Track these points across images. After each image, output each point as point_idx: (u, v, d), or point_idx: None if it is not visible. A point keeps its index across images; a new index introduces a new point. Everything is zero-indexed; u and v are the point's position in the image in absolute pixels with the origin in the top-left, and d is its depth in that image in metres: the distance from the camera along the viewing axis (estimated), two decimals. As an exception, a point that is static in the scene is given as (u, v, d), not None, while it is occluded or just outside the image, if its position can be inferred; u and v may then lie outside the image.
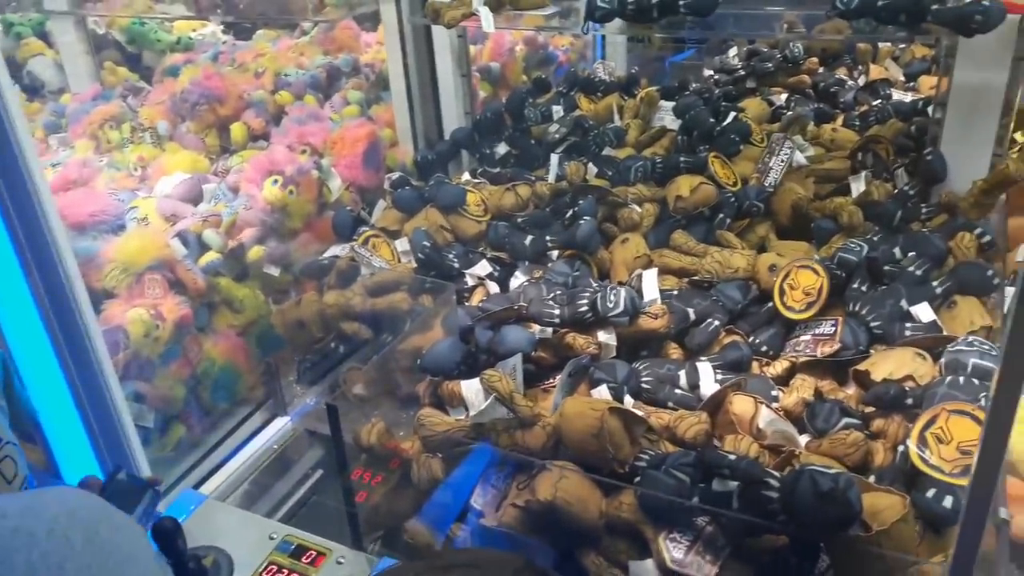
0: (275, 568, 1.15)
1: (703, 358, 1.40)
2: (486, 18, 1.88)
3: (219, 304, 1.77)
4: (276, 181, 1.86)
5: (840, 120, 2.42)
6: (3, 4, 2.80)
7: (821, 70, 2.81)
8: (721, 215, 1.82)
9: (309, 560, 1.16)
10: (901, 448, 1.11)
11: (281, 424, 1.82)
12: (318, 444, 1.81)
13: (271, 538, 1.20)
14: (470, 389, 1.25)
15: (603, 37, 3.10)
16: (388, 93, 2.34)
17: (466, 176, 2.11)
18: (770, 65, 2.71)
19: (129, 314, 1.54)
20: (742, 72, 2.75)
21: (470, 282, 1.74)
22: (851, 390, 1.35)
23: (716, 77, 2.82)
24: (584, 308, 1.37)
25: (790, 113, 2.31)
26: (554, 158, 2.06)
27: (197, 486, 1.63)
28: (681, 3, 1.77)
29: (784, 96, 2.57)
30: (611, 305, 1.35)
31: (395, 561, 1.16)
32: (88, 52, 2.70)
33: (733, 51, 2.99)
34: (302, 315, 1.71)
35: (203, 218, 1.72)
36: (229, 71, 2.45)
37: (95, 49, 2.89)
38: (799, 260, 1.51)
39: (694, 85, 2.67)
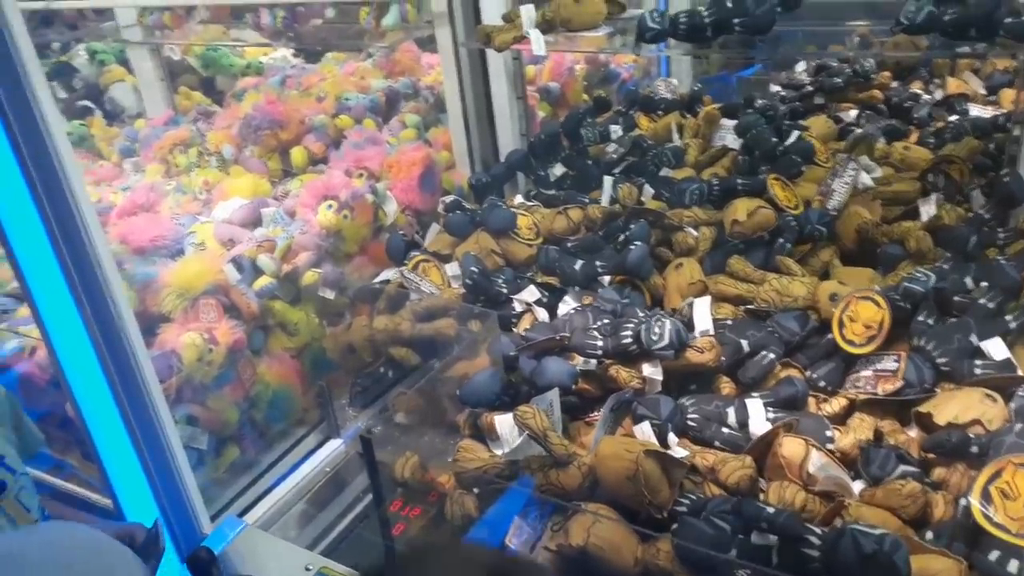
0: (308, 600, 1.16)
1: (755, 394, 1.34)
2: (537, 41, 1.86)
3: (274, 327, 1.80)
4: (331, 206, 1.89)
5: (914, 137, 2.31)
6: (89, 32, 2.94)
7: (894, 84, 2.69)
8: (781, 240, 1.75)
9: (343, 594, 1.16)
10: (963, 502, 1.03)
11: (334, 447, 1.83)
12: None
13: (307, 569, 1.20)
14: (504, 424, 1.23)
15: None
16: (446, 115, 2.35)
17: (519, 199, 2.09)
18: (839, 80, 2.60)
19: (183, 338, 1.58)
20: (810, 88, 2.66)
21: (518, 308, 1.72)
22: (913, 432, 1.27)
23: (783, 93, 2.73)
24: (628, 340, 1.33)
25: (856, 132, 2.22)
26: (607, 180, 2.02)
27: (248, 508, 1.65)
28: (736, 22, 1.72)
29: (854, 112, 2.47)
30: (655, 337, 1.31)
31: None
32: (163, 79, 2.81)
33: (801, 65, 2.89)
34: (352, 339, 1.73)
35: (258, 243, 1.75)
36: (291, 96, 2.50)
37: (173, 75, 3.01)
38: (859, 291, 1.43)
39: (759, 102, 2.59)
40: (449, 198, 2.08)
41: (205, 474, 1.59)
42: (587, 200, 2.04)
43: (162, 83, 2.82)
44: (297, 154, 2.20)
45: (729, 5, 1.74)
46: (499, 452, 1.24)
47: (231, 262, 1.69)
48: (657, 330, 1.31)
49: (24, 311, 1.76)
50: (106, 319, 1.28)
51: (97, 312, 1.26)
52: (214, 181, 2.18)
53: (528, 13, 1.85)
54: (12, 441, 1.19)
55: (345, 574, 1.19)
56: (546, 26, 1.88)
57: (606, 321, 1.47)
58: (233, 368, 1.67)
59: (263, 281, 1.73)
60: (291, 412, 1.81)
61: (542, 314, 1.70)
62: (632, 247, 1.68)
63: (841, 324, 1.44)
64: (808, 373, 1.42)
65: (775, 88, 2.84)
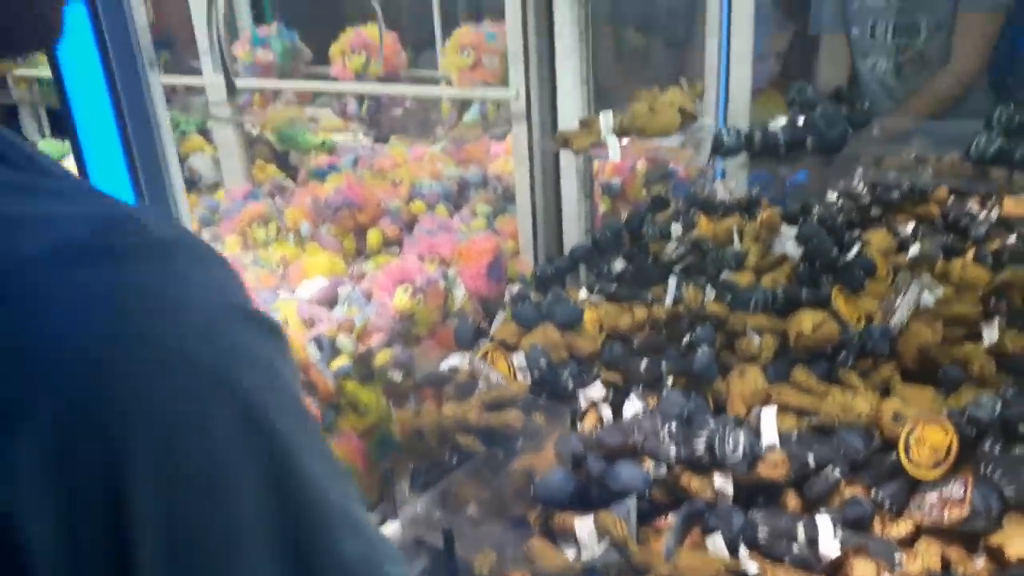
0: None
1: (823, 510, 1.37)
2: (613, 148, 1.96)
3: (344, 406, 1.87)
4: (407, 290, 1.97)
5: (971, 254, 2.35)
6: (181, 105, 3.11)
7: (951, 200, 2.74)
8: (844, 353, 1.79)
9: None
10: (1039, 641, 1.04)
11: (392, 528, 1.87)
12: (424, 553, 1.85)
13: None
14: (583, 528, 1.27)
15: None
16: (513, 206, 2.45)
17: (583, 293, 2.16)
18: (896, 194, 2.67)
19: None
20: (866, 200, 2.72)
21: (583, 404, 1.77)
22: (981, 561, 1.29)
23: (839, 203, 2.80)
24: (700, 451, 1.37)
25: (916, 250, 2.27)
26: (672, 280, 2.09)
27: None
28: (808, 141, 1.81)
29: (911, 226, 2.52)
30: (729, 450, 1.35)
31: None
32: (243, 155, 2.97)
33: (858, 173, 2.96)
34: (421, 424, 1.78)
35: (338, 324, 1.83)
36: (369, 180, 2.63)
37: (250, 146, 3.17)
38: (926, 415, 1.47)
39: (817, 208, 2.66)
40: (516, 287, 2.15)
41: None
42: (650, 297, 2.10)
43: (242, 156, 2.97)
44: (373, 236, 2.31)
45: (800, 125, 1.84)
46: (571, 553, 1.27)
47: (313, 341, 1.77)
48: (731, 442, 1.35)
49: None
50: None
51: None
52: (291, 257, 2.29)
53: (607, 120, 1.96)
54: None
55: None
56: (621, 132, 1.98)
57: (675, 425, 1.51)
58: (306, 445, 1.73)
59: (340, 361, 1.81)
60: (354, 490, 1.86)
61: (607, 412, 1.75)
62: (699, 351, 1.73)
63: (907, 446, 1.46)
64: (873, 492, 1.45)
65: (831, 195, 2.91)
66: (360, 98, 2.52)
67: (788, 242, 2.34)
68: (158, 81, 1.13)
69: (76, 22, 1.10)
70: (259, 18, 3.42)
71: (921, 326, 1.85)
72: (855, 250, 2.14)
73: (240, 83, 2.65)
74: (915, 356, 1.80)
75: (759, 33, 2.66)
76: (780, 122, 1.92)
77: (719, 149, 1.78)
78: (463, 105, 2.27)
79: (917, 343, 1.79)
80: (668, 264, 2.35)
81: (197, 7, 2.59)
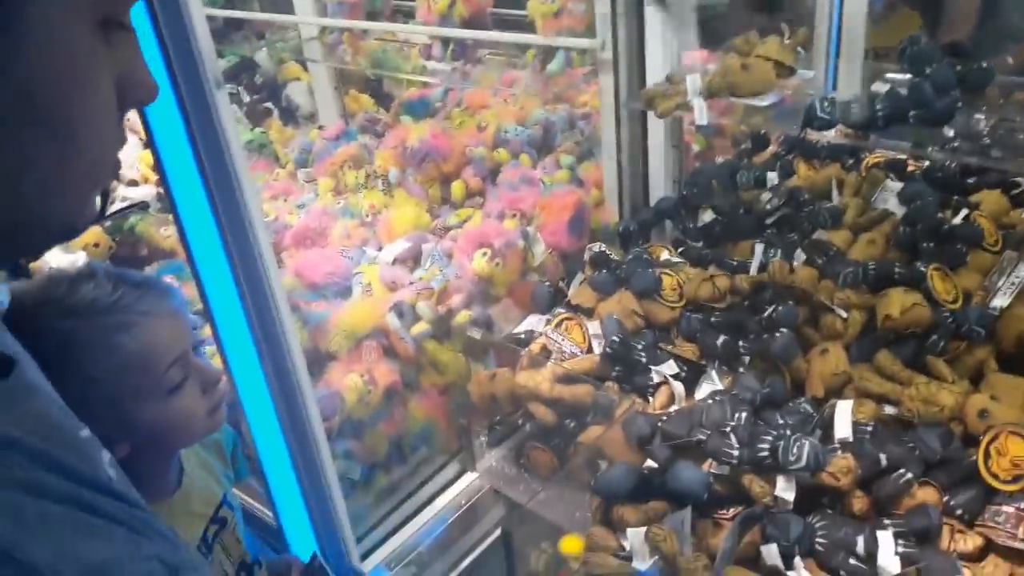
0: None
1: (886, 522, 1.35)
2: (700, 110, 1.87)
3: (426, 365, 1.95)
4: (485, 254, 1.99)
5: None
6: (273, 42, 3.15)
7: (1088, 142, 2.48)
8: (935, 337, 1.71)
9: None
10: None
11: (470, 479, 1.97)
12: (501, 503, 1.95)
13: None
14: (636, 536, 1.31)
15: (835, 83, 2.94)
16: (599, 149, 2.39)
17: (665, 255, 2.12)
18: (1021, 135, 2.43)
19: (346, 381, 1.74)
20: (987, 140, 2.50)
21: (655, 379, 1.78)
22: (1052, 586, 1.26)
23: (956, 144, 2.58)
24: (764, 454, 1.37)
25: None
26: (758, 248, 2.02)
27: (391, 534, 1.82)
28: (911, 114, 1.68)
29: (1034, 178, 2.31)
30: (793, 458, 1.34)
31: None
32: (336, 87, 2.99)
33: (982, 111, 2.71)
34: (496, 390, 1.84)
35: (417, 291, 1.88)
36: (456, 121, 2.61)
37: (344, 78, 3.19)
38: (1011, 425, 1.40)
39: (930, 150, 2.46)
40: (596, 247, 2.13)
41: (355, 502, 1.77)
42: (735, 263, 2.05)
43: (335, 89, 3.00)
44: (456, 188, 2.32)
45: (903, 95, 1.70)
46: (627, 547, 1.33)
47: (392, 309, 1.83)
48: (795, 451, 1.34)
49: (207, 330, 1.99)
50: (279, 356, 1.43)
51: (272, 350, 1.41)
52: (379, 204, 2.34)
53: (693, 82, 1.86)
54: (230, 477, 1.38)
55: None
56: (710, 94, 1.88)
57: (743, 419, 1.51)
58: (388, 407, 1.83)
59: (420, 327, 1.87)
60: (435, 444, 1.97)
61: (679, 388, 1.75)
62: (779, 334, 1.69)
63: (987, 455, 1.41)
64: (946, 498, 1.42)
65: (948, 133, 2.69)
66: (445, 41, 2.47)
67: (891, 198, 2.20)
68: (225, 100, 1.16)
69: (144, 46, 1.12)
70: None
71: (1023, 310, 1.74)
72: (960, 216, 2.00)
73: (327, 22, 2.64)
74: (1014, 342, 1.70)
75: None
76: (886, 85, 1.78)
77: (811, 123, 1.67)
78: (547, 54, 2.19)
79: (1018, 329, 1.68)
80: (761, 216, 2.26)
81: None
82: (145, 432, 1.01)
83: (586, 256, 2.13)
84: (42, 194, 0.49)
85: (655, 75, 2.07)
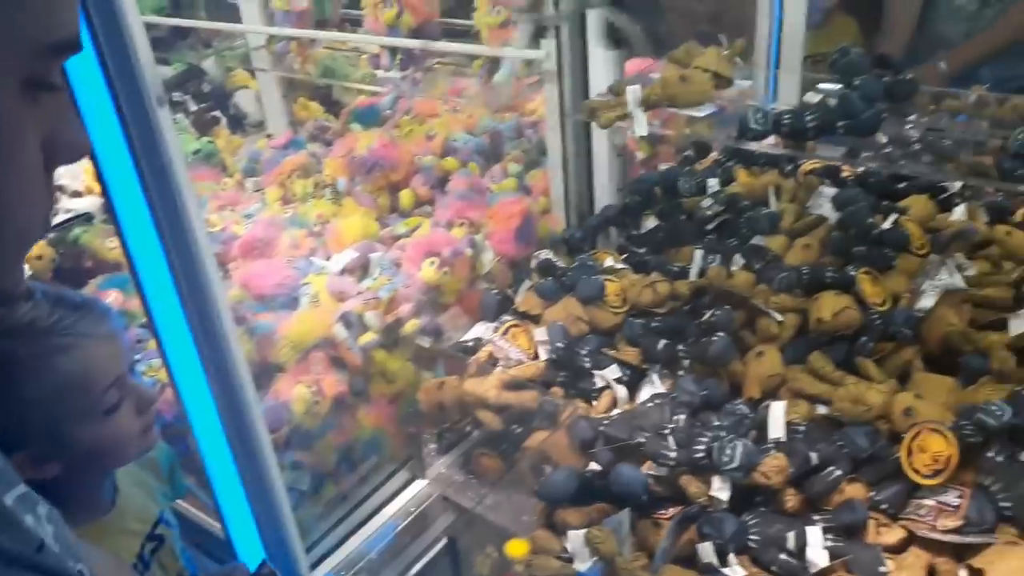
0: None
1: (816, 517, 1.42)
2: (639, 121, 1.92)
3: (374, 375, 1.96)
4: (434, 263, 2.02)
5: (1021, 213, 2.26)
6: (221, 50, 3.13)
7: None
8: (864, 339, 1.78)
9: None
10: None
11: (420, 486, 1.99)
12: (450, 510, 1.98)
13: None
14: (576, 538, 1.35)
15: (775, 92, 3.02)
16: (546, 158, 2.43)
17: (610, 261, 2.17)
18: (948, 141, 2.54)
19: (294, 392, 1.76)
20: (918, 146, 2.60)
21: (598, 383, 1.82)
22: (964, 572, 1.33)
23: (889, 150, 2.68)
24: (700, 455, 1.42)
25: (961, 212, 2.19)
26: (697, 254, 2.08)
27: (340, 543, 1.84)
28: (839, 124, 1.75)
29: (959, 184, 2.41)
30: (726, 459, 1.39)
31: None
32: (285, 95, 2.99)
33: (912, 119, 2.82)
34: (444, 398, 1.87)
35: (366, 300, 1.90)
36: (405, 129, 2.63)
37: (292, 86, 3.18)
38: (930, 422, 1.48)
39: (864, 155, 2.55)
40: (542, 254, 2.17)
41: (304, 512, 1.78)
42: (676, 268, 2.11)
43: (283, 99, 3.00)
44: (405, 197, 2.34)
45: (833, 106, 1.77)
46: (568, 556, 1.37)
47: (340, 319, 1.85)
48: (729, 452, 1.39)
49: (153, 344, 1.98)
50: (224, 368, 1.42)
51: (217, 362, 1.41)
52: (328, 214, 2.35)
53: (634, 93, 1.91)
54: (168, 495, 1.38)
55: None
56: (650, 105, 1.93)
57: (681, 421, 1.56)
58: (336, 417, 1.85)
59: (368, 337, 1.89)
60: (384, 452, 1.98)
61: (621, 392, 1.80)
62: (715, 338, 1.75)
63: (909, 451, 1.48)
64: (872, 493, 1.48)
65: (882, 139, 2.79)
66: (393, 51, 2.49)
67: (825, 204, 2.29)
68: (167, 116, 1.17)
69: (85, 66, 1.13)
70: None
71: (947, 311, 1.82)
72: (889, 221, 2.08)
73: (274, 31, 2.64)
74: (939, 342, 1.78)
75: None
76: (819, 96, 1.85)
77: (746, 134, 1.74)
78: (495, 62, 2.23)
79: (940, 331, 1.77)
80: (702, 222, 2.33)
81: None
82: (80, 452, 1.02)
83: (532, 264, 2.17)
84: None
85: (599, 85, 2.12)
